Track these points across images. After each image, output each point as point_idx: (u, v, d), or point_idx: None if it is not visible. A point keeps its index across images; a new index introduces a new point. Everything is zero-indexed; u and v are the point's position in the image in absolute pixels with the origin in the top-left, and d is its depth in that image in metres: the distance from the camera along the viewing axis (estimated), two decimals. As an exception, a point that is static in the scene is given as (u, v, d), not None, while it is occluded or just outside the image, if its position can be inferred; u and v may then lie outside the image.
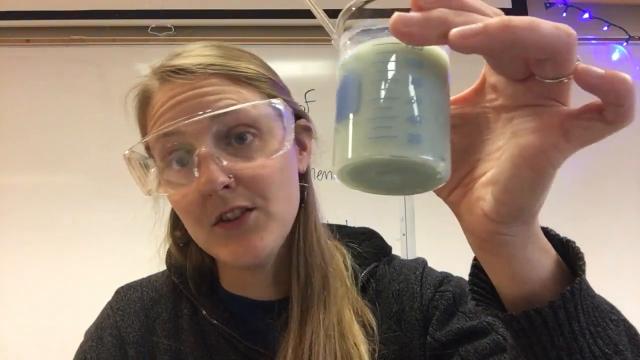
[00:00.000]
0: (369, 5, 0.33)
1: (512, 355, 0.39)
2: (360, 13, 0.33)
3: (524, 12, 1.91)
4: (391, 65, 0.31)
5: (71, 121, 1.76)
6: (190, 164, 0.52)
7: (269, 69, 0.61)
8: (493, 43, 0.27)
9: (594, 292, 0.37)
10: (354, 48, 0.33)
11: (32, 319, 1.62)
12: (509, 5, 1.91)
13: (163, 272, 0.69)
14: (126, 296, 0.66)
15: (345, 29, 0.34)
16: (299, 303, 0.58)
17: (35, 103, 1.76)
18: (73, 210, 1.69)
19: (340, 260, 0.63)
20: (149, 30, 1.81)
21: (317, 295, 0.58)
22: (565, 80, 0.29)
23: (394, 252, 0.71)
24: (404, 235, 1.75)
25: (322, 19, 0.38)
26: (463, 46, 0.28)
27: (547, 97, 0.31)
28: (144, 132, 0.59)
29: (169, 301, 0.65)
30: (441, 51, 0.32)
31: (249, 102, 0.53)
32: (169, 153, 0.54)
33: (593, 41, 1.90)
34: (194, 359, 0.60)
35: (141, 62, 1.82)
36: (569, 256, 0.37)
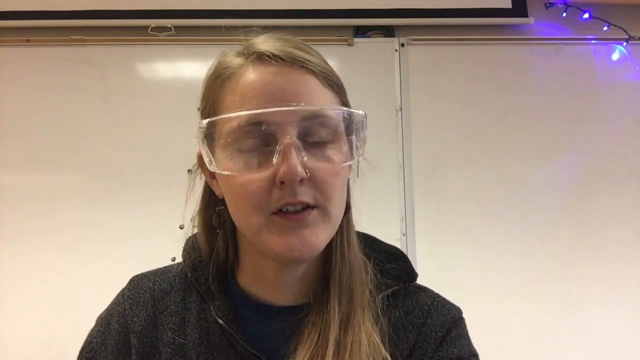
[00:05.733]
0: None
1: None
2: None
3: (524, 12, 1.91)
4: None
5: (71, 121, 1.76)
6: (263, 149, 0.53)
7: (340, 79, 0.61)
8: None
9: None
10: None
11: (32, 319, 1.62)
12: (508, 6, 1.91)
13: (179, 263, 0.69)
14: (138, 285, 0.67)
15: None
16: (339, 314, 0.58)
17: (35, 103, 1.76)
18: (73, 210, 1.69)
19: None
20: (149, 30, 1.81)
21: (360, 303, 0.59)
22: None
23: None
24: (404, 235, 1.75)
25: None
26: None
27: None
28: (214, 107, 0.57)
29: (178, 294, 0.65)
30: None
31: (341, 107, 0.56)
32: (247, 134, 0.53)
33: (593, 41, 1.90)
34: (196, 354, 0.59)
35: (141, 62, 1.82)
36: None
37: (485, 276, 1.72)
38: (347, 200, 0.62)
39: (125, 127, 1.77)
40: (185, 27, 1.84)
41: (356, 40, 1.86)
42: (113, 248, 1.65)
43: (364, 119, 0.58)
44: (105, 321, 0.65)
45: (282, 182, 0.51)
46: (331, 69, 0.59)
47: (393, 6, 1.89)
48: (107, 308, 0.67)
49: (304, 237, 0.53)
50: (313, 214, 0.54)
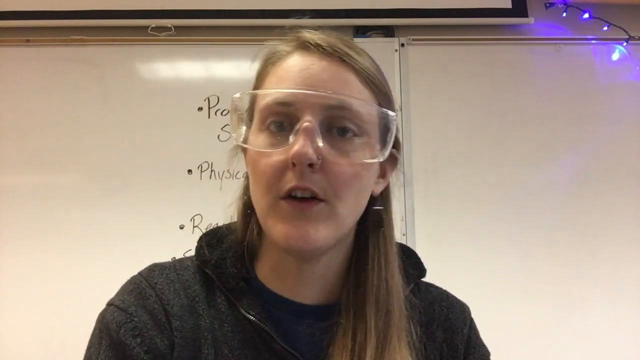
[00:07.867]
0: None
1: None
2: None
3: (524, 12, 1.91)
4: None
5: (71, 121, 1.75)
6: (285, 131, 0.53)
7: (388, 85, 0.62)
8: None
9: None
10: None
11: (32, 319, 1.62)
12: (508, 6, 1.91)
13: (191, 258, 0.65)
14: (163, 274, 0.61)
15: None
16: (377, 331, 0.57)
17: (35, 103, 1.76)
18: (73, 210, 1.69)
19: None
20: (149, 30, 1.81)
21: (397, 325, 0.58)
22: None
23: None
24: (404, 235, 1.74)
25: None
26: None
27: None
28: (255, 87, 0.60)
29: (202, 290, 0.61)
30: None
31: (370, 103, 0.56)
32: (274, 114, 0.54)
33: (593, 41, 1.90)
34: (229, 349, 0.57)
35: (141, 62, 1.82)
36: None
37: (485, 276, 1.71)
38: (378, 214, 0.62)
39: (125, 127, 1.77)
40: (185, 27, 1.83)
41: (356, 40, 1.86)
42: (113, 248, 1.65)
43: (394, 121, 0.58)
44: (137, 304, 0.57)
45: (293, 164, 0.51)
46: (375, 70, 0.59)
47: (393, 6, 1.89)
48: (127, 292, 0.59)
49: (304, 229, 0.53)
50: (319, 206, 0.53)
